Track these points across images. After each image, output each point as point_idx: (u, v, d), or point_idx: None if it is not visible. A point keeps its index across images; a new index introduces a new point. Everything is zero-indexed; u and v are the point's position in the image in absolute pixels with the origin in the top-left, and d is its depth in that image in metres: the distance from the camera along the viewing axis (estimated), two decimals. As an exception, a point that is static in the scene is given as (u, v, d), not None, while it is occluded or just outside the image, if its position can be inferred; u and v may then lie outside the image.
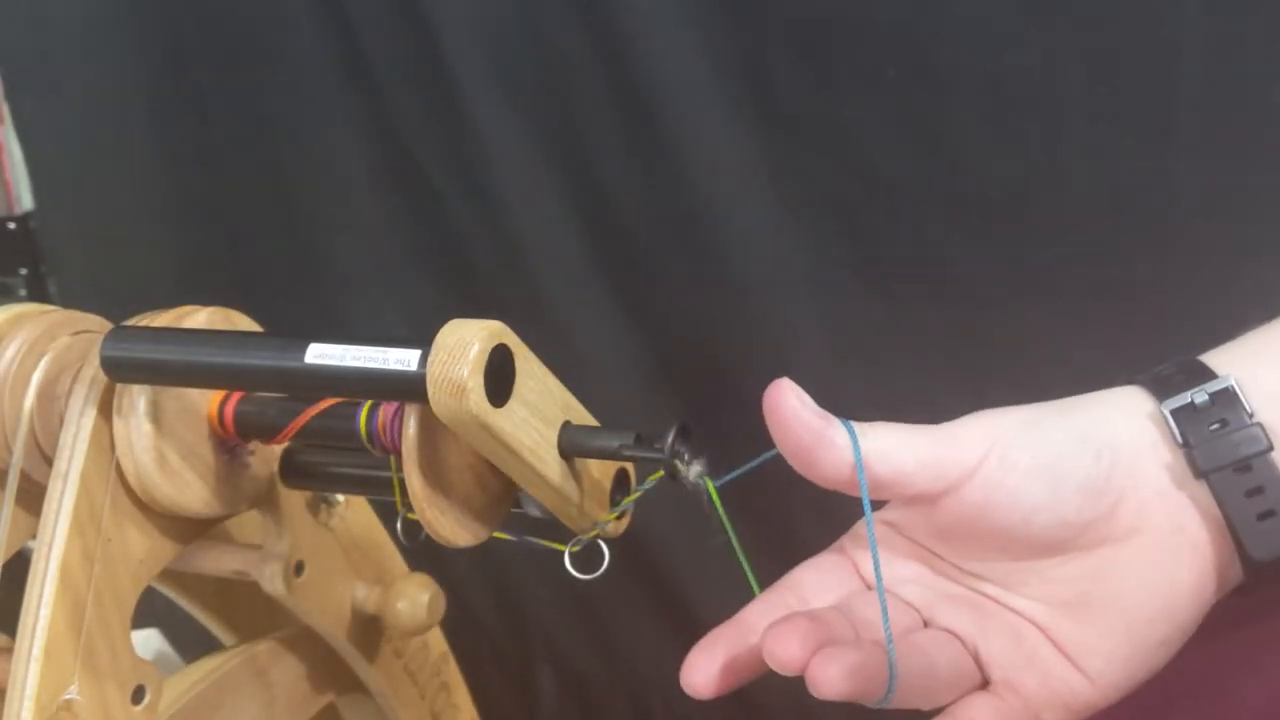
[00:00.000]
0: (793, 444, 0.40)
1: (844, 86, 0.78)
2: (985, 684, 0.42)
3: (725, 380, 0.89)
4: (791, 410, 0.40)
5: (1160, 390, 0.42)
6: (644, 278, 0.90)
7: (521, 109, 0.89)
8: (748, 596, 1.04)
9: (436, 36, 0.89)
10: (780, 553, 0.88)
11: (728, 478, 0.44)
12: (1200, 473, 0.40)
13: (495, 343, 0.42)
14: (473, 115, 0.90)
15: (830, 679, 0.38)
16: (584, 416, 0.48)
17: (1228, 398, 0.40)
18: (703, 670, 0.42)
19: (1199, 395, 0.40)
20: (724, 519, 0.43)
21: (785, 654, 0.38)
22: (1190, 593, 0.41)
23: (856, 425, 0.41)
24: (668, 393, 0.92)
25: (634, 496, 0.49)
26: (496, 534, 0.49)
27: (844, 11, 0.77)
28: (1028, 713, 0.41)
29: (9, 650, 0.48)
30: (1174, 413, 0.41)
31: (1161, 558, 0.41)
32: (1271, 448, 0.40)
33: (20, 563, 0.51)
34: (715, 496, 0.43)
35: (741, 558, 0.44)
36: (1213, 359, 0.43)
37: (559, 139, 0.89)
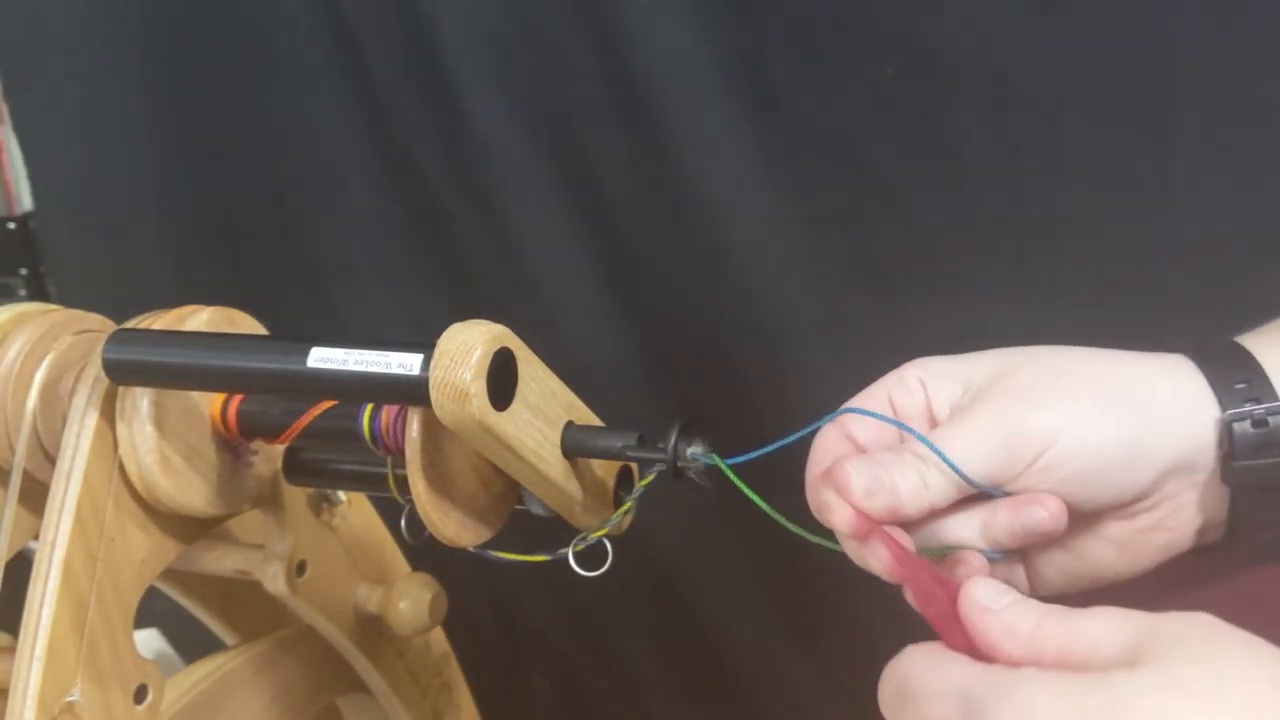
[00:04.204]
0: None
1: (844, 86, 0.78)
2: None
3: (725, 379, 0.89)
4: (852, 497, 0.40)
5: (1223, 391, 0.42)
6: (644, 277, 0.90)
7: (521, 109, 0.89)
8: (746, 596, 1.04)
9: (435, 36, 0.89)
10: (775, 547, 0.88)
11: (741, 458, 0.44)
12: (1233, 484, 0.42)
13: (497, 346, 0.42)
14: (472, 115, 0.90)
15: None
16: (587, 416, 0.48)
17: None
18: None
19: (1257, 410, 0.41)
20: (743, 487, 0.43)
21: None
22: (1140, 572, 0.44)
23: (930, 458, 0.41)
24: (667, 392, 0.92)
25: (633, 499, 0.49)
26: (506, 555, 0.49)
27: (844, 11, 0.77)
28: None
29: (11, 649, 0.48)
30: (1232, 424, 0.41)
31: (1138, 550, 0.43)
32: None
33: (22, 562, 0.51)
34: (726, 469, 0.43)
35: (783, 519, 0.43)
36: (1261, 352, 0.43)
37: (558, 139, 0.89)
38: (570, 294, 0.92)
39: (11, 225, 1.25)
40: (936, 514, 0.42)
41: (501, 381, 0.42)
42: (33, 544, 0.51)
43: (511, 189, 0.91)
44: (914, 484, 0.40)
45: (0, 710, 0.48)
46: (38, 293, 1.26)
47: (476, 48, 0.88)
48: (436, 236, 0.96)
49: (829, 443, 0.44)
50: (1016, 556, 0.45)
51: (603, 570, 0.48)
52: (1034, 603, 0.34)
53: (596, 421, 0.48)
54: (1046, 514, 0.40)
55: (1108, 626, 0.32)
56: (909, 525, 0.42)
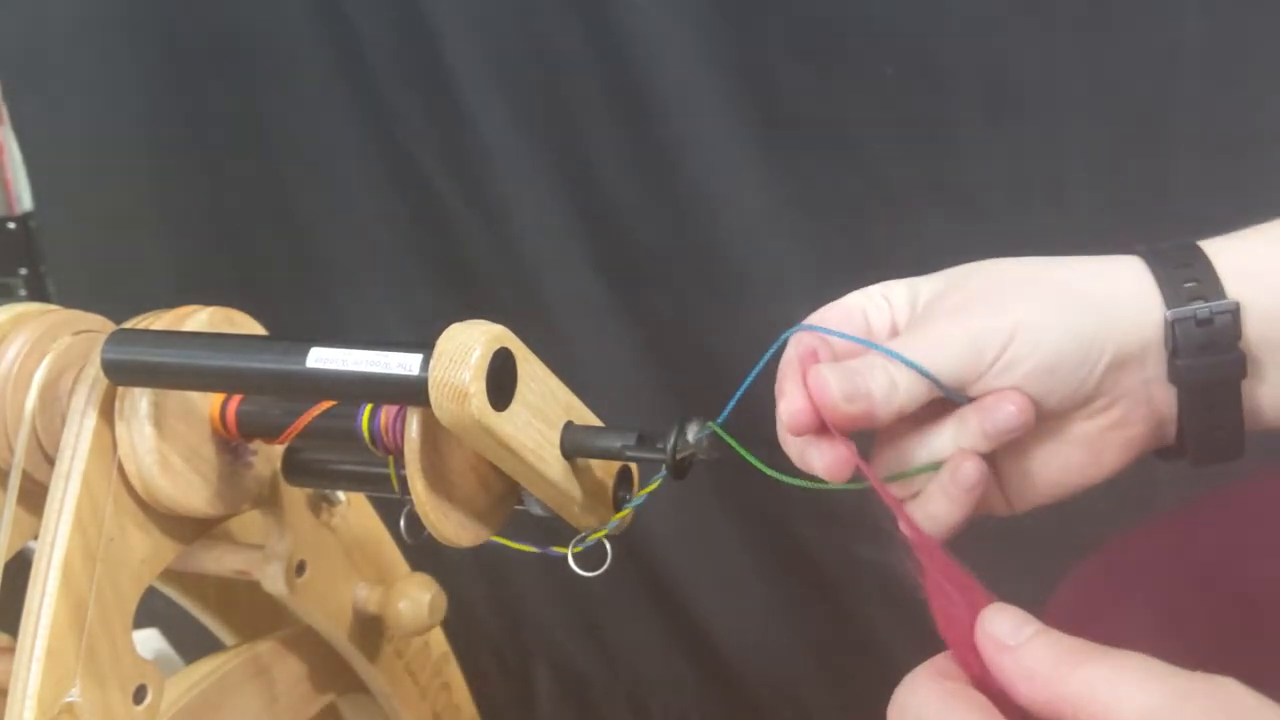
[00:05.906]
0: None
1: (844, 86, 0.78)
2: None
3: (724, 379, 0.89)
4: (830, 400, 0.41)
5: (1170, 290, 0.42)
6: (644, 277, 0.91)
7: (521, 109, 0.89)
8: (746, 596, 1.04)
9: (436, 37, 0.89)
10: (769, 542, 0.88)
11: (726, 410, 0.45)
12: (1179, 383, 0.42)
13: (497, 346, 0.41)
14: (473, 116, 0.90)
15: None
16: (586, 416, 0.48)
17: (1228, 319, 0.42)
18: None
19: (1202, 310, 0.42)
20: (739, 448, 0.43)
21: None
22: (1105, 475, 0.44)
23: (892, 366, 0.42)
24: (667, 392, 0.93)
25: (632, 505, 0.49)
26: (498, 539, 0.49)
27: (844, 11, 0.77)
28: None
29: (11, 649, 0.48)
30: (1175, 323, 0.42)
31: (1101, 450, 0.44)
32: (1245, 373, 0.42)
33: (22, 563, 0.51)
34: (721, 433, 0.44)
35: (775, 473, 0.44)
36: (1215, 250, 0.44)
37: (559, 139, 0.89)
38: (570, 294, 0.92)
39: (11, 225, 1.25)
40: (909, 431, 0.44)
41: (501, 382, 0.42)
42: (32, 544, 0.51)
43: (512, 189, 0.91)
44: (884, 386, 0.41)
45: (0, 710, 0.48)
46: (38, 293, 1.26)
47: (478, 48, 0.88)
48: (437, 236, 0.96)
49: (804, 350, 0.45)
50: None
51: (602, 570, 0.48)
52: (1054, 637, 0.32)
53: (596, 421, 0.48)
54: (1014, 407, 0.41)
55: (1129, 684, 0.31)
56: (885, 439, 0.44)
